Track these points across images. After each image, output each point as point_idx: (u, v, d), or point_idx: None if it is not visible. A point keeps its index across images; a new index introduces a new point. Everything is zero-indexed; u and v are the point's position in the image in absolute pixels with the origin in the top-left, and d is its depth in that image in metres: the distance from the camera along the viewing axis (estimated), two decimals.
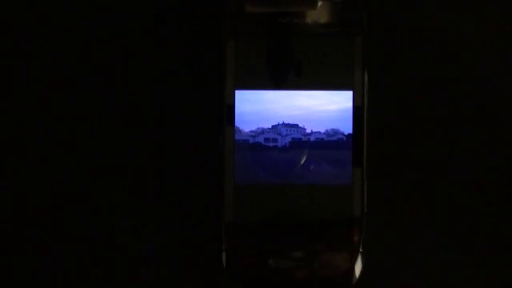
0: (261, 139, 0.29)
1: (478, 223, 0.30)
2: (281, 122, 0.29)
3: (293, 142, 0.29)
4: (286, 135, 0.29)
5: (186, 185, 0.30)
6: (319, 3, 0.28)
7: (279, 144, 0.29)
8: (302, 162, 0.29)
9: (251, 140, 0.29)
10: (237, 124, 0.29)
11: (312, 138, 0.29)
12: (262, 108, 0.29)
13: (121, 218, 0.30)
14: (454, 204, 0.30)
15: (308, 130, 0.29)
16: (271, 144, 0.29)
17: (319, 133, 0.29)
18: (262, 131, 0.29)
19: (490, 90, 0.31)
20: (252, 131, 0.29)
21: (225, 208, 0.29)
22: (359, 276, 0.29)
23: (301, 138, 0.29)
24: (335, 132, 0.29)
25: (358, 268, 0.29)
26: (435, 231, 0.30)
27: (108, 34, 0.30)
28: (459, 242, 0.30)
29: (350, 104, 0.29)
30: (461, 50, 0.31)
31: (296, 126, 0.29)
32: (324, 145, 0.29)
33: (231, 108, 0.29)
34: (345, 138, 0.29)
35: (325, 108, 0.29)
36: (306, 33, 0.29)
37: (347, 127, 0.29)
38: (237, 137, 0.29)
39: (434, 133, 0.30)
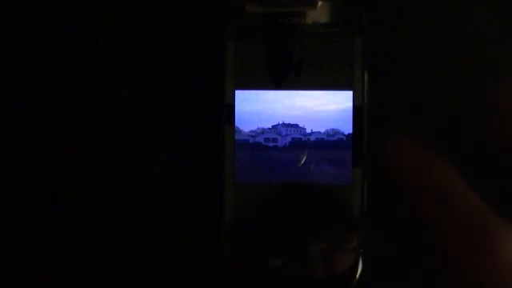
0: (261, 139, 0.29)
1: None
2: (281, 122, 0.29)
3: (293, 142, 0.29)
4: (286, 135, 0.29)
5: (185, 184, 0.30)
6: (319, 3, 0.28)
7: (279, 144, 0.29)
8: (302, 161, 0.29)
9: (251, 140, 0.29)
10: (237, 124, 0.29)
11: (312, 138, 0.29)
12: (262, 108, 0.29)
13: (120, 218, 0.30)
14: None
15: (308, 130, 0.29)
16: (271, 144, 0.29)
17: (319, 133, 0.29)
18: (262, 131, 0.29)
19: (491, 90, 0.31)
20: (252, 131, 0.29)
21: (225, 208, 0.29)
22: (359, 276, 0.29)
23: (301, 138, 0.29)
24: (335, 132, 0.29)
25: (358, 268, 0.29)
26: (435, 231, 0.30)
27: (108, 34, 0.30)
28: None
29: (350, 104, 0.29)
30: (461, 50, 0.31)
31: (296, 125, 0.29)
32: (324, 145, 0.29)
33: (231, 108, 0.29)
34: (345, 138, 0.29)
35: (325, 108, 0.29)
36: (305, 33, 0.29)
37: (347, 127, 0.29)
38: (237, 137, 0.29)
39: (434, 132, 0.30)
